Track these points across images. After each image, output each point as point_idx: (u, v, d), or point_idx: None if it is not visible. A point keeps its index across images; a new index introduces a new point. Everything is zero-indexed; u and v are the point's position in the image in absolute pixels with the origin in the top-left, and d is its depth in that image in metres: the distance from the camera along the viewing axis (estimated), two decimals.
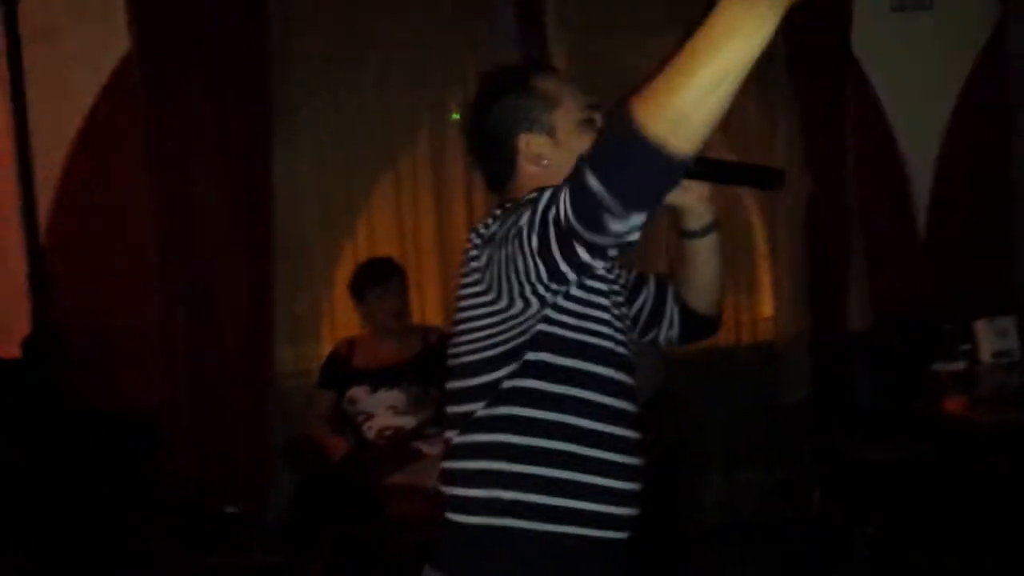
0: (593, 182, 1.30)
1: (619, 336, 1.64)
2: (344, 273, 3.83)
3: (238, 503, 3.14)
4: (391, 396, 3.48)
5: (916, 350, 3.75)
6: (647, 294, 1.85)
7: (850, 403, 3.69)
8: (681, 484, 3.57)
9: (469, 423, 1.61)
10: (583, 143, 1.55)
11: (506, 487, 1.56)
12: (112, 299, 3.63)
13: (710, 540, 3.81)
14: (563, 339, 1.57)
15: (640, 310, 1.84)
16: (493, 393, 1.59)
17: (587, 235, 1.36)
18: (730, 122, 4.02)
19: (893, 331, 4.02)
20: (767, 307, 4.38)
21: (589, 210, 1.32)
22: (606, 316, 1.61)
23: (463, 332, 1.64)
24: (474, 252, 1.61)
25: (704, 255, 1.78)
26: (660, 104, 1.24)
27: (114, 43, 3.62)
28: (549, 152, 1.68)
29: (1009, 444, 3.02)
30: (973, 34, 4.59)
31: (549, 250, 1.41)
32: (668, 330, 1.86)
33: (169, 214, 3.60)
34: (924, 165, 4.53)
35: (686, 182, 1.61)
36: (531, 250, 1.43)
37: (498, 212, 1.64)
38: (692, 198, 1.70)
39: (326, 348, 3.78)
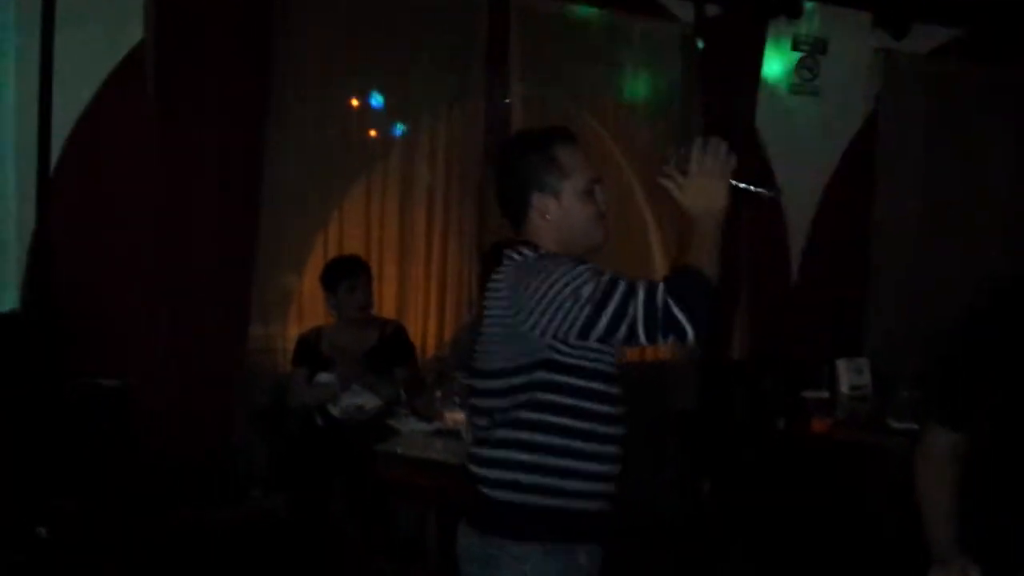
0: (676, 310, 1.85)
1: (607, 358, 2.04)
2: (314, 265, 4.27)
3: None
4: (354, 379, 3.84)
5: (782, 378, 4.51)
6: None
7: (729, 416, 4.42)
8: None
9: (495, 419, 2.07)
10: (582, 209, 2.08)
11: (523, 472, 2.02)
12: (104, 273, 3.89)
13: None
14: (564, 363, 2.00)
15: None
16: (512, 396, 2.04)
17: (643, 340, 1.89)
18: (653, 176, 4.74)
19: (766, 361, 4.80)
20: None
21: (662, 326, 1.86)
22: (600, 345, 2.00)
23: (487, 341, 2.08)
24: (504, 276, 2.05)
25: None
26: (706, 262, 1.91)
27: (127, 32, 3.90)
28: (553, 211, 2.07)
29: (861, 459, 3.80)
30: (851, 118, 5.46)
31: (592, 327, 1.90)
32: None
33: (167, 198, 3.92)
34: (800, 226, 5.34)
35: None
36: (579, 316, 1.90)
37: (530, 254, 2.06)
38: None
39: (293, 329, 4.20)
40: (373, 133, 4.42)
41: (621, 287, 1.91)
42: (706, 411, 4.62)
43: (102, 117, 3.91)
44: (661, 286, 1.89)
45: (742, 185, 1.99)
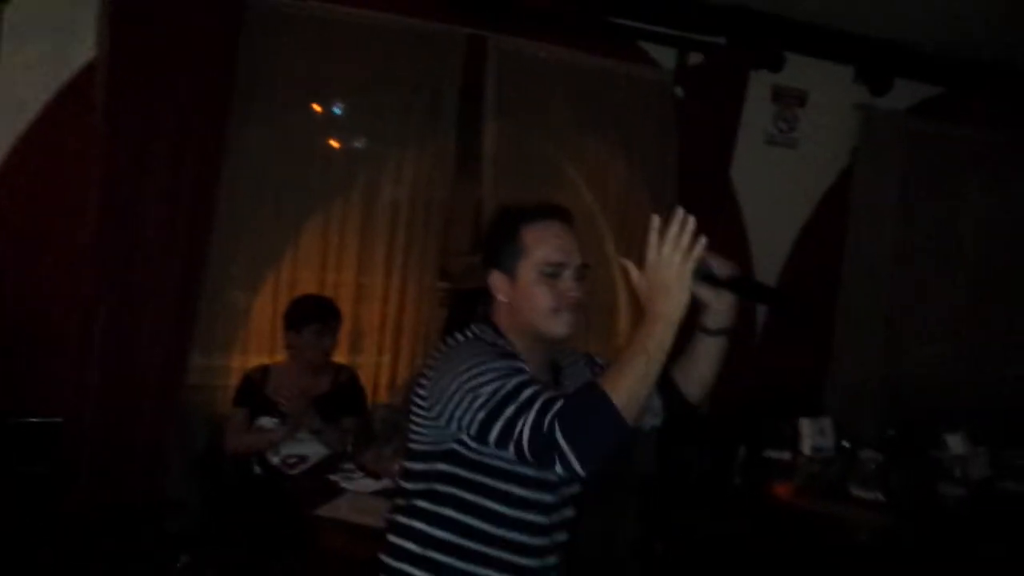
0: (561, 440, 1.60)
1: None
2: (264, 295, 4.06)
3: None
4: (303, 426, 3.64)
5: (740, 437, 4.34)
6: None
7: (687, 475, 4.26)
8: None
9: (400, 503, 1.96)
10: (535, 294, 1.89)
11: (413, 564, 1.90)
12: (40, 296, 3.68)
13: None
14: (468, 458, 1.86)
15: None
16: (417, 481, 1.92)
17: (532, 462, 1.67)
18: (633, 232, 4.61)
19: (728, 419, 4.64)
20: None
21: (546, 452, 1.63)
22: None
23: (411, 420, 1.94)
24: (437, 356, 1.91)
25: (711, 352, 2.00)
26: (620, 385, 1.62)
27: (77, 49, 3.68)
28: (507, 292, 1.94)
29: (820, 528, 3.64)
30: (826, 172, 5.34)
31: (486, 434, 1.73)
32: (652, 419, 2.05)
33: (109, 222, 3.67)
34: (768, 277, 5.13)
35: (719, 290, 1.89)
36: (474, 419, 1.73)
37: (469, 336, 1.92)
38: (722, 302, 1.94)
39: (236, 362, 3.97)
40: (335, 159, 4.19)
41: (518, 399, 1.70)
42: (664, 470, 4.46)
43: (44, 138, 3.69)
44: (556, 408, 1.64)
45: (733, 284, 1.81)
